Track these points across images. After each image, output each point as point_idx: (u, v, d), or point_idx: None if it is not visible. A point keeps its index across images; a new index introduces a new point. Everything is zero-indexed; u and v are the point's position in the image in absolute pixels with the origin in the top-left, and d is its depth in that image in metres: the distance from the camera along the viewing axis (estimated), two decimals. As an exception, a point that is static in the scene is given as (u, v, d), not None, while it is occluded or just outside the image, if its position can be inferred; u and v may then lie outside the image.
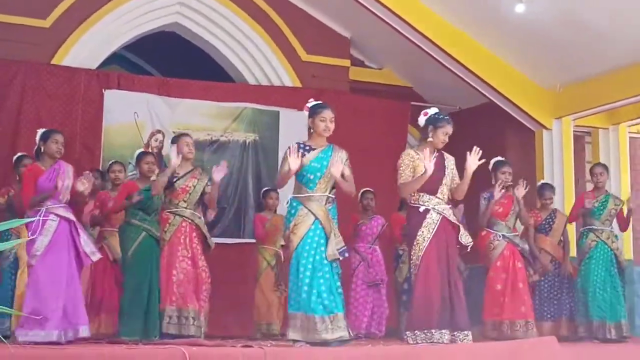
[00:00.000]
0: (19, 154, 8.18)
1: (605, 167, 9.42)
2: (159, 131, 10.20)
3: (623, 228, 9.38)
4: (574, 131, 11.13)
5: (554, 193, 9.63)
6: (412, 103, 11.71)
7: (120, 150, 9.85)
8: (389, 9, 10.27)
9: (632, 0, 9.26)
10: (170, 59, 12.45)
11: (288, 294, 6.82)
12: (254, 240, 10.34)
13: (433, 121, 7.22)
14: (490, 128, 11.45)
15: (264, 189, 9.63)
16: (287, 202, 6.72)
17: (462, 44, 10.63)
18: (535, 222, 9.37)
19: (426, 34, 10.46)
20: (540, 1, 9.65)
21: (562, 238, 9.56)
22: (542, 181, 9.99)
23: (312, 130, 7.04)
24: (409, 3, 10.39)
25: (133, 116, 10.02)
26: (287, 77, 11.12)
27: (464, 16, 10.44)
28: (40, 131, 7.22)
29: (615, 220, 9.25)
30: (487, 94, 10.97)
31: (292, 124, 10.85)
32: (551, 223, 9.48)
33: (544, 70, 10.73)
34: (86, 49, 10.15)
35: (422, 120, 7.22)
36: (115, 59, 11.77)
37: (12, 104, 9.59)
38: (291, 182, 6.79)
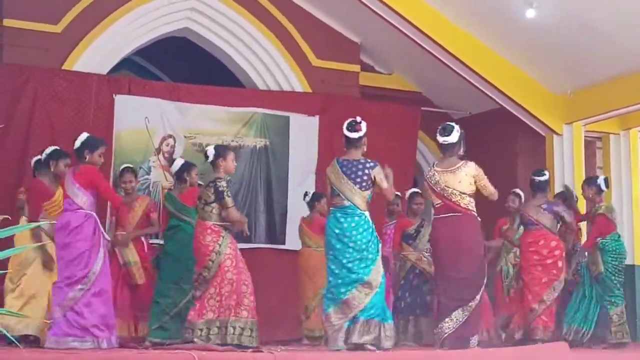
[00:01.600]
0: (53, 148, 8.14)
1: (518, 195, 9.69)
2: (170, 136, 10.22)
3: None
4: (584, 136, 11.10)
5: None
6: (422, 108, 11.71)
7: (132, 155, 9.89)
8: (399, 14, 10.27)
9: (643, 5, 9.26)
10: (181, 64, 12.48)
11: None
12: (263, 245, 10.37)
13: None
14: (501, 133, 11.44)
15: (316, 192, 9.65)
16: (361, 216, 7.12)
17: (472, 49, 10.62)
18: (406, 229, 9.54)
19: (436, 39, 10.46)
20: (551, 6, 9.65)
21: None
22: (413, 189, 9.90)
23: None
24: (419, 8, 10.39)
25: (144, 121, 10.03)
26: (297, 82, 11.13)
27: (475, 21, 10.43)
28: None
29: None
30: (497, 99, 10.96)
31: (302, 129, 10.88)
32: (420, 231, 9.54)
33: (555, 75, 10.71)
34: (97, 55, 10.18)
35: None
36: (126, 64, 11.79)
37: (23, 108, 9.61)
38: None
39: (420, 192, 9.88)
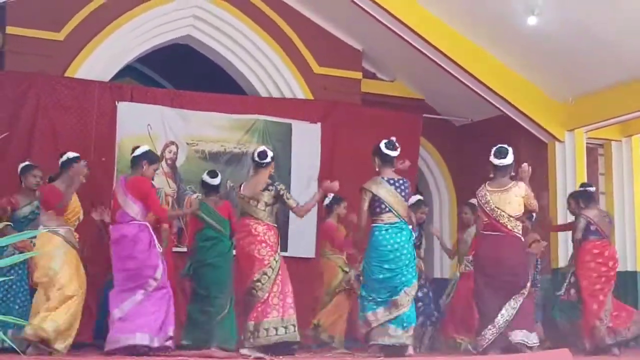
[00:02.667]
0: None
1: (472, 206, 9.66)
2: (172, 143, 10.22)
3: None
4: (586, 143, 11.11)
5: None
6: (424, 115, 11.72)
7: (134, 162, 9.87)
8: (401, 22, 10.29)
9: (644, 12, 9.27)
10: (183, 72, 12.50)
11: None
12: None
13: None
14: (502, 140, 11.34)
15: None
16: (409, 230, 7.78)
17: (474, 56, 10.64)
18: None
19: (438, 46, 10.48)
20: (552, 14, 9.66)
21: None
22: (418, 197, 9.87)
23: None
24: (421, 15, 10.41)
25: (146, 128, 10.04)
26: (299, 90, 11.14)
27: (476, 28, 10.45)
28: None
29: None
30: (499, 106, 10.97)
31: (305, 136, 10.88)
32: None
33: (556, 82, 10.73)
34: (100, 62, 10.20)
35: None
36: (128, 71, 11.81)
37: (26, 116, 9.63)
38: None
39: (423, 200, 9.87)
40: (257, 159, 7.86)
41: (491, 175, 7.97)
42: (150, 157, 7.70)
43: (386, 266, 7.54)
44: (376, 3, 10.17)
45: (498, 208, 7.75)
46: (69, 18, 10.03)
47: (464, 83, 10.79)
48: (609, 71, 10.14)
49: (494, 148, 8.00)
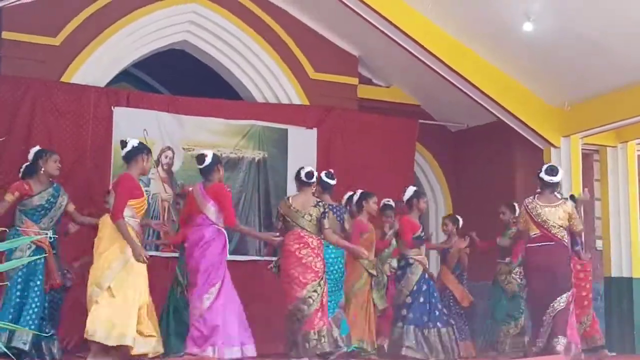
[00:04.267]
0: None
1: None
2: (168, 148, 10.22)
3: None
4: (582, 149, 11.12)
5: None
6: (420, 121, 11.73)
7: (130, 167, 9.86)
8: (397, 27, 10.31)
9: (639, 19, 9.29)
10: (180, 77, 12.50)
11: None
12: (260, 258, 10.28)
13: None
14: (498, 146, 11.47)
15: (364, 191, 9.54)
16: None
17: (470, 61, 10.66)
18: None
19: (434, 52, 10.49)
20: (548, 20, 9.68)
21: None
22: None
23: None
24: (417, 21, 10.42)
25: (143, 133, 10.02)
26: (295, 95, 11.14)
27: (472, 34, 10.47)
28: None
29: None
30: (495, 112, 10.98)
31: (301, 142, 10.88)
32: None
33: (552, 88, 10.75)
34: (96, 67, 10.19)
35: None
36: (124, 76, 11.81)
37: (22, 121, 9.62)
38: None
39: (392, 205, 9.80)
40: (304, 179, 8.22)
41: (538, 190, 8.56)
42: (220, 161, 8.07)
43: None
44: (372, 9, 10.18)
45: (549, 220, 8.36)
46: (65, 23, 10.02)
47: (460, 89, 10.81)
48: (604, 77, 10.16)
49: (546, 165, 8.69)
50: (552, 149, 11.04)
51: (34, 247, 7.53)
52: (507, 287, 9.63)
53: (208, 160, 7.88)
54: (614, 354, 10.26)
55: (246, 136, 10.68)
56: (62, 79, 9.97)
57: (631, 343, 11.15)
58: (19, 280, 7.62)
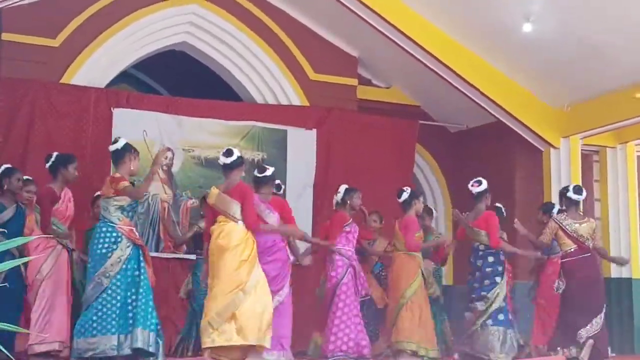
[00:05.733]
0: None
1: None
2: (168, 149, 10.22)
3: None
4: (581, 150, 11.12)
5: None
6: (420, 122, 11.73)
7: (130, 168, 9.86)
8: (397, 28, 10.31)
9: (639, 20, 9.29)
10: (179, 78, 12.50)
11: None
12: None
13: None
14: (498, 147, 11.46)
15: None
16: None
17: (470, 62, 10.66)
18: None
19: (434, 53, 10.50)
20: (548, 21, 9.69)
21: None
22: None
23: None
24: (416, 22, 10.43)
25: (142, 134, 10.04)
26: (295, 96, 11.14)
27: (472, 36, 10.47)
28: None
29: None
30: (494, 113, 10.99)
31: (300, 143, 10.89)
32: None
33: (552, 89, 10.75)
34: (95, 68, 10.19)
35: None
36: (124, 77, 11.81)
37: (22, 122, 9.62)
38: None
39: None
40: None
41: (563, 207, 8.92)
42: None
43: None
44: (372, 10, 10.19)
45: (582, 234, 8.69)
46: (65, 24, 10.02)
47: (460, 90, 10.81)
48: (604, 78, 10.16)
49: (573, 185, 9.02)
50: (552, 149, 11.04)
51: (131, 245, 7.36)
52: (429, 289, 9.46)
53: (268, 172, 8.08)
54: (613, 354, 10.24)
55: (246, 137, 10.69)
56: (62, 81, 9.98)
57: (631, 343, 11.14)
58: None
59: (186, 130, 10.39)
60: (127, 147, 7.59)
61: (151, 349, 7.08)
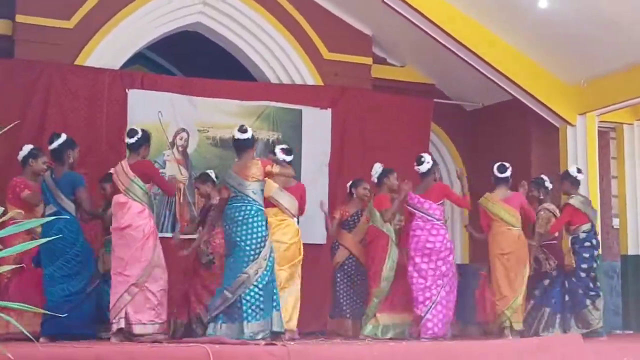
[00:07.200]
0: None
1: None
2: (183, 130, 10.23)
3: None
4: (598, 127, 11.05)
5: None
6: (435, 100, 11.69)
7: (146, 149, 9.88)
8: (411, 6, 10.24)
9: (656, -6, 9.21)
10: (193, 59, 12.49)
11: None
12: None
13: None
14: (514, 125, 11.41)
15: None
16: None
17: (485, 40, 10.59)
18: (341, 217, 9.38)
19: (449, 31, 10.43)
20: (564, -4, 9.61)
21: None
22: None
23: None
24: (431, 0, 10.36)
25: (157, 115, 10.06)
26: (309, 76, 11.12)
27: (487, 12, 10.40)
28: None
29: None
30: (510, 91, 10.92)
31: (315, 123, 10.88)
32: (356, 221, 9.37)
33: (568, 65, 10.67)
34: (110, 50, 10.20)
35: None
36: (138, 59, 11.82)
37: (36, 104, 9.64)
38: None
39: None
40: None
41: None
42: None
43: None
44: (386, -13, 10.14)
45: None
46: (79, 6, 10.02)
47: (475, 67, 10.75)
48: (621, 54, 10.08)
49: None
50: (568, 127, 10.98)
51: None
52: None
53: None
54: (630, 331, 10.24)
55: (260, 117, 10.68)
56: (76, 62, 9.98)
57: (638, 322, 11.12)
58: None
59: (201, 111, 10.39)
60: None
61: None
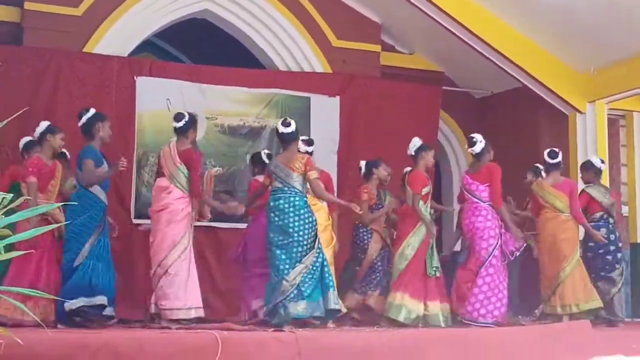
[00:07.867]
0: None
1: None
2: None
3: None
4: (607, 114, 11.02)
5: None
6: (444, 87, 11.67)
7: (154, 136, 9.90)
8: (420, -7, 10.23)
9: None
10: (201, 46, 12.49)
11: None
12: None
13: None
14: (523, 112, 11.39)
15: None
16: None
17: (494, 27, 10.56)
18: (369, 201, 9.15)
19: (458, 18, 10.40)
20: (573, -17, 9.56)
21: None
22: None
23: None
24: (440, -13, 10.34)
25: (166, 103, 10.06)
26: (317, 63, 11.11)
27: (496, 0, 10.36)
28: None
29: None
30: (519, 78, 10.89)
31: (323, 110, 10.87)
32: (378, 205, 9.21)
33: (578, 53, 10.63)
34: (118, 37, 10.20)
35: None
36: (146, 46, 11.82)
37: (45, 91, 9.66)
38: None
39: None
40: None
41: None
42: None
43: None
44: (395, -25, 10.11)
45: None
46: (87, -7, 10.03)
47: (484, 55, 10.72)
48: (631, 41, 10.03)
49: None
50: (578, 114, 10.94)
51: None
52: None
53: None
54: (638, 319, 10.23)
55: (269, 105, 10.68)
56: (85, 49, 10.00)
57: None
58: None
59: (209, 99, 10.39)
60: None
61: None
